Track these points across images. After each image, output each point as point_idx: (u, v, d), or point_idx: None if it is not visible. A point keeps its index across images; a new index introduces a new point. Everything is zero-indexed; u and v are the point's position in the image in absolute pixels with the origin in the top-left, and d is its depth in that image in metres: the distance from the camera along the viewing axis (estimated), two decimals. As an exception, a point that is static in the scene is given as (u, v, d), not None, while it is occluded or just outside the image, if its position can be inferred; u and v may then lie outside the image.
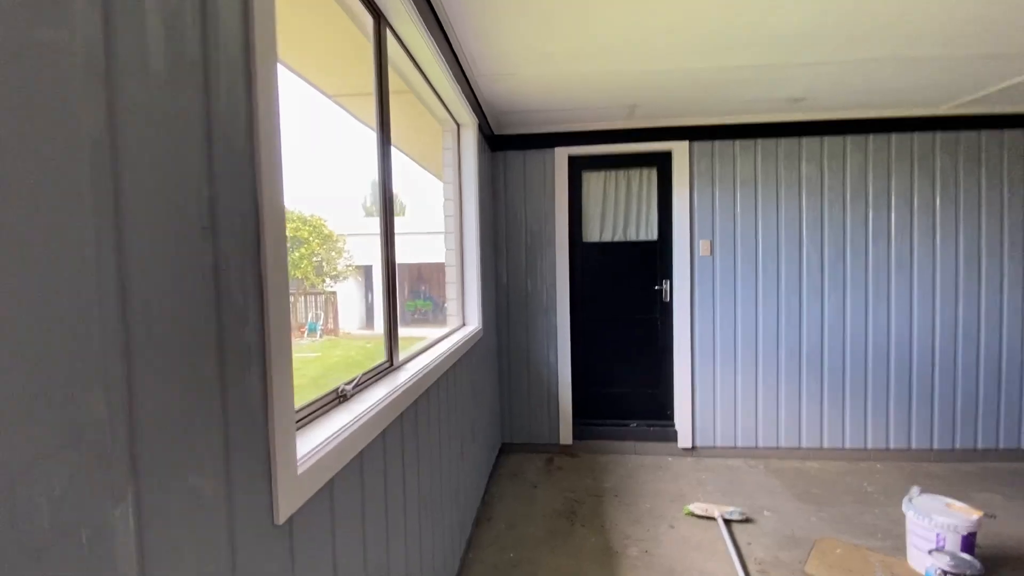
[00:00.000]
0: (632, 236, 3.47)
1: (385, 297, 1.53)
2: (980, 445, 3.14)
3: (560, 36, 2.01)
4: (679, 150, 3.29)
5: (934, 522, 1.96)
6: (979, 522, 1.94)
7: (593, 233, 3.49)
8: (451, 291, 2.74)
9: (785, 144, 3.22)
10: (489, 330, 3.16)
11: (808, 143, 3.21)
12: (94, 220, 0.46)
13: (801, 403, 3.27)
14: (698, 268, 3.32)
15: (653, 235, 3.44)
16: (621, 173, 3.46)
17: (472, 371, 2.53)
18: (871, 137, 3.16)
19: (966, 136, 3.08)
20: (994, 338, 3.12)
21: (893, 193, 3.16)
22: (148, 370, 0.52)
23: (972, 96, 2.81)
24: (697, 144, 3.28)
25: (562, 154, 3.36)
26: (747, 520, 2.53)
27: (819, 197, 3.21)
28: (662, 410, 3.49)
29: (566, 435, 3.44)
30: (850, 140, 3.18)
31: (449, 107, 2.44)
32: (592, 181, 3.48)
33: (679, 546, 2.31)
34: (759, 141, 3.24)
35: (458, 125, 2.69)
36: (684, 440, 3.35)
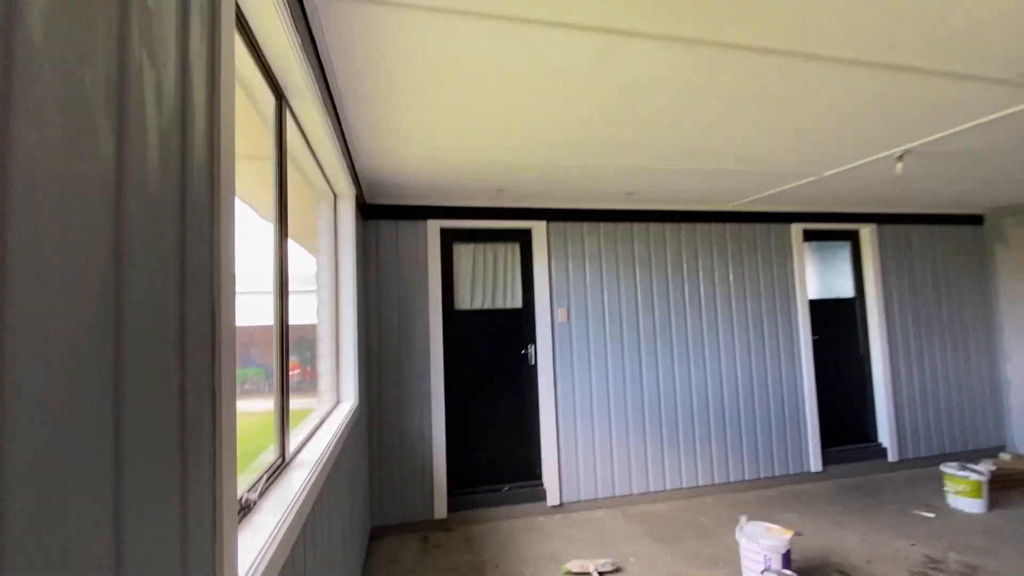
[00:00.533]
0: (500, 304, 3.69)
1: (278, 384, 1.41)
2: (776, 472, 3.89)
3: (442, 127, 2.17)
4: (538, 229, 3.66)
5: (761, 545, 2.37)
6: (792, 540, 2.40)
7: (464, 301, 3.62)
8: (323, 365, 2.56)
9: (621, 228, 3.82)
10: (361, 404, 2.99)
11: (638, 228, 3.85)
12: (101, 357, 0.42)
13: (647, 451, 3.71)
14: (558, 333, 3.64)
15: (518, 303, 3.70)
16: (489, 246, 3.70)
17: (352, 455, 2.37)
18: (683, 225, 3.92)
19: (747, 227, 4.02)
20: (778, 386, 3.97)
21: (700, 270, 3.93)
22: (136, 524, 0.46)
23: (751, 198, 3.72)
24: (553, 224, 3.69)
25: (434, 226, 3.48)
26: (617, 570, 2.72)
27: (649, 273, 3.84)
28: (532, 470, 3.62)
29: (440, 509, 3.34)
30: (668, 227, 3.90)
31: (330, 179, 2.40)
32: (463, 252, 3.65)
33: (563, 608, 2.38)
34: (602, 224, 3.78)
35: (335, 195, 2.64)
36: (552, 498, 3.51)
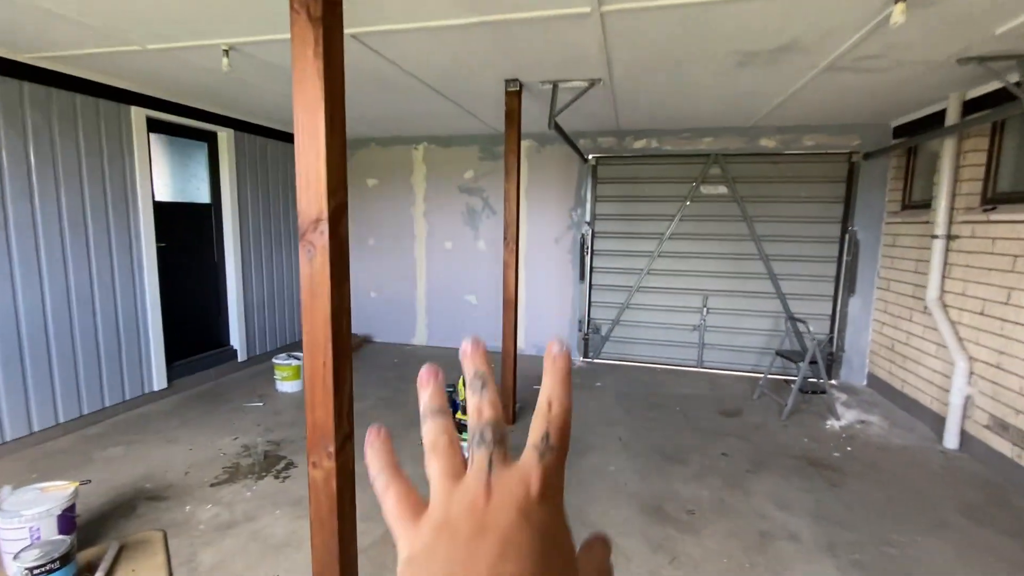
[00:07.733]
0: None
1: None
2: (108, 403, 3.29)
3: None
4: None
5: (24, 518, 1.80)
6: (75, 493, 1.96)
7: None
8: None
9: None
10: None
11: None
12: None
13: None
14: None
15: None
16: None
17: None
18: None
19: (60, 93, 2.93)
20: (108, 298, 3.27)
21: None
22: None
23: (53, 53, 2.66)
24: None
25: None
26: None
27: None
28: None
29: None
30: None
31: None
32: None
33: None
34: None
35: None
36: None
